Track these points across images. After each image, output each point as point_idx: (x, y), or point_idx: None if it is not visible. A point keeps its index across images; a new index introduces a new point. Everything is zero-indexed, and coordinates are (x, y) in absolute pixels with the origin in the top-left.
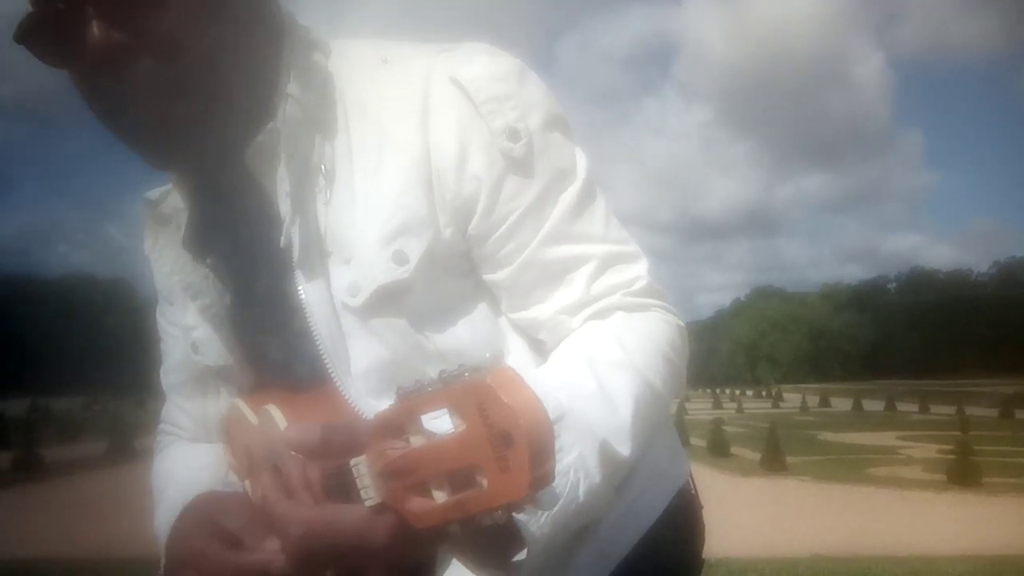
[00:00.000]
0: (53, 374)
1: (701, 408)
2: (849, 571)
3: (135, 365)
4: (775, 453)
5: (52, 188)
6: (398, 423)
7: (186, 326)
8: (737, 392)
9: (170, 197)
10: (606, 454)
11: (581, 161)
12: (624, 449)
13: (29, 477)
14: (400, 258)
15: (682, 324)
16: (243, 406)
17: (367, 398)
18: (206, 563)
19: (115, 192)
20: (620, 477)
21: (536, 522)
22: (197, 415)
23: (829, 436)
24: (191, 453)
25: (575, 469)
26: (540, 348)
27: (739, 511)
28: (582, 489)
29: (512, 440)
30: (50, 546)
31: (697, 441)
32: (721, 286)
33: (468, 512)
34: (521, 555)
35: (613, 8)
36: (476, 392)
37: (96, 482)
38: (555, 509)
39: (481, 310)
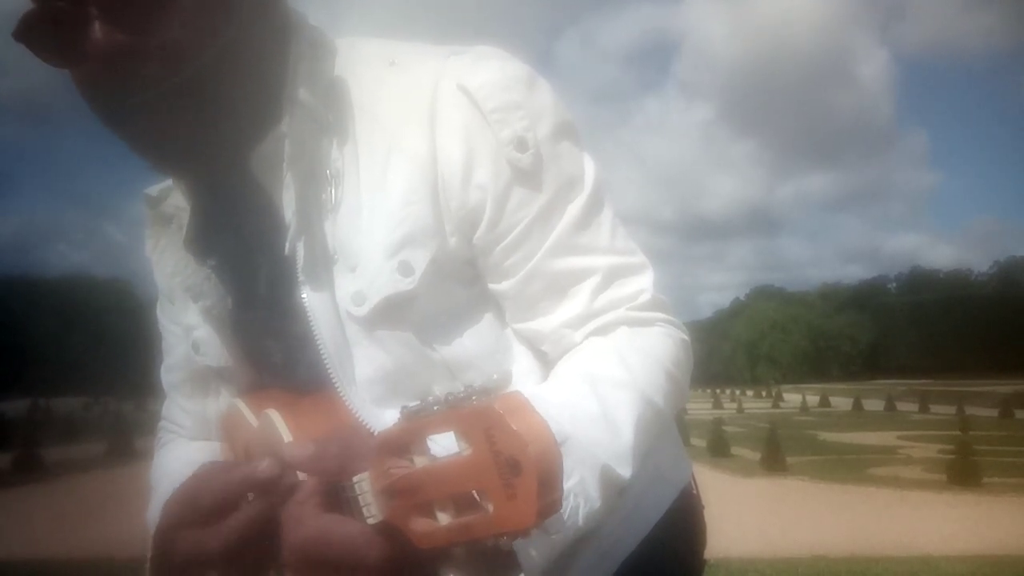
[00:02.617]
0: (53, 374)
1: (701, 408)
2: (849, 571)
3: (135, 365)
4: (775, 453)
5: (52, 188)
6: (403, 442)
7: (187, 325)
8: (737, 392)
9: (171, 195)
10: (607, 478)
11: (589, 170)
12: (625, 472)
13: (29, 477)
14: (406, 269)
15: (686, 338)
16: (243, 407)
17: (370, 406)
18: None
19: (115, 192)
20: (616, 497)
21: (534, 547)
22: (197, 414)
23: (829, 436)
24: (189, 450)
25: (575, 494)
26: (545, 358)
27: (739, 511)
28: (582, 514)
29: (520, 468)
30: (50, 546)
31: (697, 441)
32: (722, 285)
33: (473, 536)
34: None
35: (613, 5)
36: (484, 418)
37: (96, 482)
38: (555, 535)
39: (487, 319)
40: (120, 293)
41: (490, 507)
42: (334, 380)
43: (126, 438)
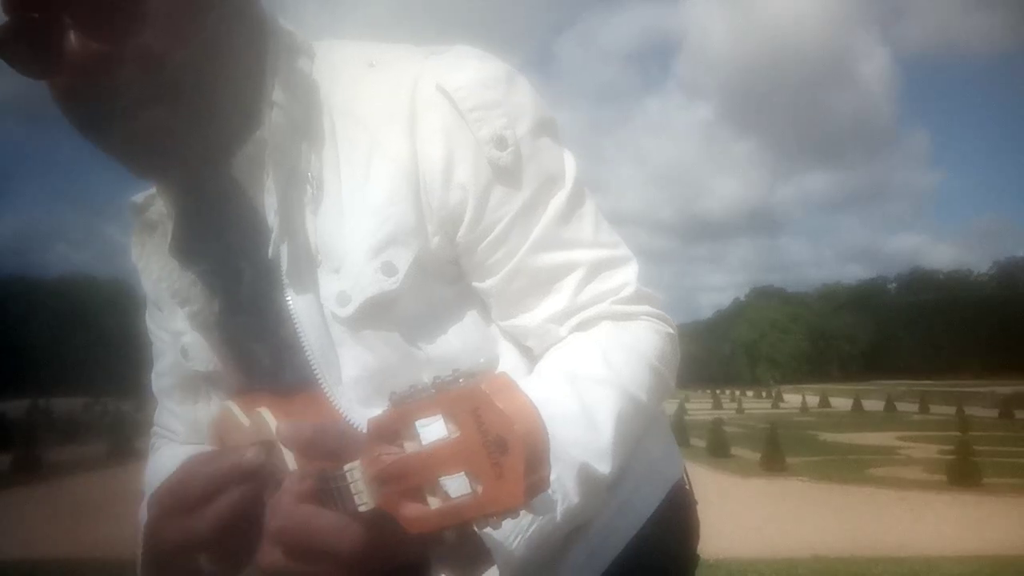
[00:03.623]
0: (53, 375)
1: (701, 408)
2: (849, 571)
3: (135, 366)
4: (775, 453)
5: (52, 188)
6: (392, 429)
7: (175, 331)
8: (737, 392)
9: (156, 202)
10: (585, 475)
11: (570, 165)
12: (604, 468)
13: (29, 478)
14: (389, 269)
15: (672, 331)
16: (234, 408)
17: (357, 406)
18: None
19: (115, 192)
20: (601, 493)
21: (509, 543)
22: (188, 419)
23: (829, 436)
24: (178, 454)
25: (552, 491)
26: (531, 354)
27: (739, 511)
28: (559, 510)
29: (507, 446)
30: (50, 547)
31: (697, 441)
32: (723, 286)
33: (463, 518)
34: (492, 573)
35: (613, 4)
36: (471, 398)
37: (96, 483)
38: (530, 530)
39: (471, 317)
40: (120, 293)
41: (479, 488)
42: (320, 381)
43: (126, 438)
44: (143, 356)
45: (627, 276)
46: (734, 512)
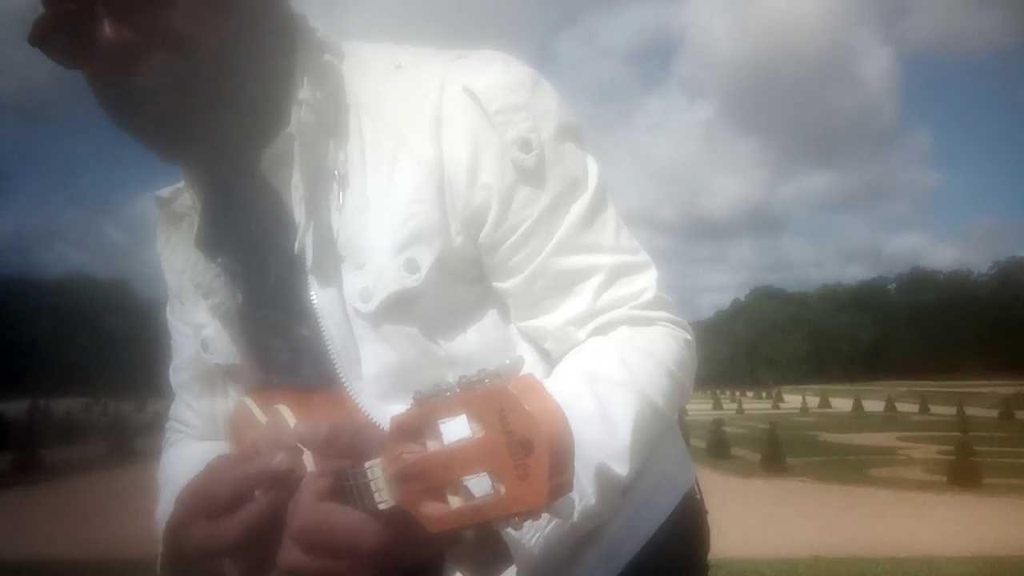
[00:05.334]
0: (53, 375)
1: (701, 409)
2: (849, 572)
3: (135, 366)
4: (775, 454)
5: (52, 188)
6: (415, 427)
7: (196, 324)
8: (737, 393)
9: (183, 195)
10: (603, 476)
11: (593, 170)
12: (622, 470)
13: (29, 478)
14: (411, 266)
15: (690, 337)
16: (252, 404)
17: (377, 402)
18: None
19: (114, 192)
20: (617, 496)
21: (527, 541)
22: (205, 413)
23: (829, 437)
24: (196, 450)
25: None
26: (548, 356)
27: (739, 512)
28: (577, 510)
29: (532, 448)
30: (50, 547)
31: (697, 442)
32: (724, 286)
33: (485, 518)
34: (510, 573)
35: (614, 4)
36: (497, 399)
37: (96, 483)
38: (548, 529)
39: (491, 317)
40: (120, 293)
41: (502, 488)
42: (340, 376)
43: (126, 438)
44: (144, 356)
45: (646, 282)
46: (734, 513)
